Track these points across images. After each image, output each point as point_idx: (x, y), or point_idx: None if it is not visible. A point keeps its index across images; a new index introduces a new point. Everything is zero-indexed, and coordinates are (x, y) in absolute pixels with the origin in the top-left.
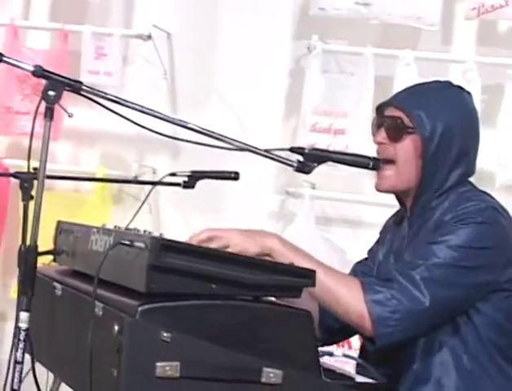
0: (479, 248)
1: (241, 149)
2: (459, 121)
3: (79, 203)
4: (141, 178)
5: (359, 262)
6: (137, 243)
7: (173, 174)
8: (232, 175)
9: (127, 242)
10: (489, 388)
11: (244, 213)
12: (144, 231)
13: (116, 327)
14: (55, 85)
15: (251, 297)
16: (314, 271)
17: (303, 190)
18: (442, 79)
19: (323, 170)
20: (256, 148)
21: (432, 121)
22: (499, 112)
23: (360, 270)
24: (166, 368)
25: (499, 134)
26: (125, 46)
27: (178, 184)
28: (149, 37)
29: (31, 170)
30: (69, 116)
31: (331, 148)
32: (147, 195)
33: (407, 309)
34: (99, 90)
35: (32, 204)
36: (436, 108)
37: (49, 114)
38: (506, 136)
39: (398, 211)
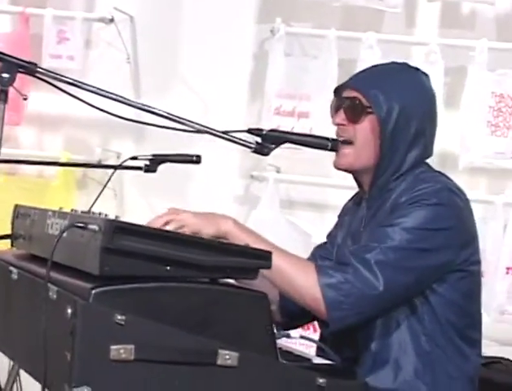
0: (434, 230)
1: (199, 131)
2: (415, 102)
3: (43, 188)
4: (105, 163)
5: (318, 246)
6: (91, 226)
7: (134, 158)
8: (194, 158)
9: (81, 225)
10: (447, 369)
11: (208, 197)
12: (100, 214)
13: (69, 311)
14: (9, 68)
15: (207, 279)
16: (270, 253)
17: (268, 173)
18: (402, 61)
19: (287, 153)
20: (214, 130)
21: (388, 101)
22: (462, 94)
23: (319, 254)
24: (121, 351)
25: (462, 116)
26: (88, 29)
27: (139, 168)
28: (111, 20)
29: None
30: (24, 99)
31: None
32: (108, 180)
33: (360, 293)
34: (54, 73)
35: None
36: (393, 89)
37: (2, 97)
38: (469, 118)
39: (356, 193)
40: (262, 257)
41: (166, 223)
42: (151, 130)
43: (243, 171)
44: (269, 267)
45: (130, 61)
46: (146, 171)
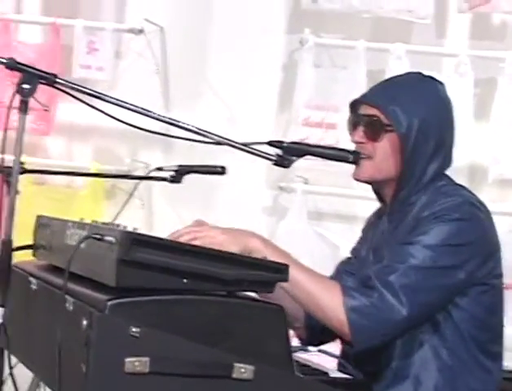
0: (457, 246)
1: (220, 143)
2: (434, 114)
3: (71, 198)
4: (134, 173)
5: (342, 262)
6: (107, 238)
7: (160, 169)
8: (219, 169)
9: (97, 236)
10: (469, 383)
11: (236, 208)
12: (119, 226)
13: (84, 322)
14: (30, 79)
15: (224, 292)
16: (287, 266)
17: (296, 185)
18: (429, 72)
19: (315, 165)
20: (234, 142)
21: (408, 117)
22: (492, 106)
23: (344, 270)
24: (135, 364)
25: (492, 128)
26: (118, 40)
27: (164, 179)
28: (141, 31)
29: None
30: (45, 110)
31: (322, 143)
32: (133, 190)
33: (385, 318)
34: (74, 83)
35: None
36: (411, 103)
37: (24, 108)
38: (499, 130)
39: (379, 207)
40: (279, 271)
41: (194, 238)
42: (179, 141)
43: (271, 182)
44: (286, 280)
45: (160, 72)
46: (171, 182)
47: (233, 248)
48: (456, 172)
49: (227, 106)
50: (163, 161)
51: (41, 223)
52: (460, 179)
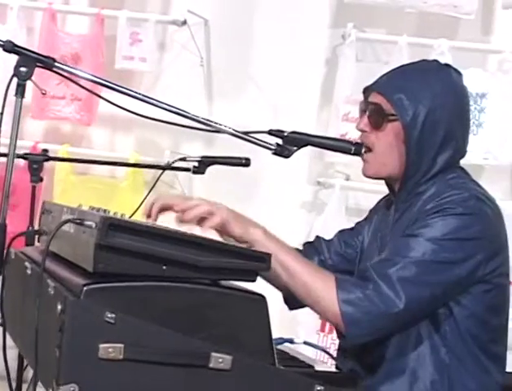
0: (459, 240)
1: (219, 131)
2: (444, 103)
3: (112, 189)
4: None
5: (342, 231)
6: (87, 222)
7: (183, 159)
8: (243, 161)
9: (77, 220)
10: (466, 382)
11: (276, 203)
12: (115, 213)
13: (59, 307)
14: (27, 62)
15: (207, 281)
16: (269, 255)
17: (334, 180)
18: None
19: (358, 161)
20: (234, 130)
21: (414, 105)
22: None
23: (344, 241)
24: (109, 350)
25: None
26: (162, 32)
27: (188, 169)
28: (184, 22)
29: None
30: (43, 94)
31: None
32: (157, 180)
33: (379, 311)
34: (72, 67)
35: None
36: (418, 90)
37: (20, 91)
38: None
39: (389, 197)
40: (261, 259)
41: (210, 212)
42: (221, 135)
43: (311, 177)
44: (267, 269)
45: (204, 64)
46: (194, 173)
47: (234, 228)
48: (500, 170)
49: (269, 100)
50: (203, 154)
51: (45, 209)
52: (503, 178)
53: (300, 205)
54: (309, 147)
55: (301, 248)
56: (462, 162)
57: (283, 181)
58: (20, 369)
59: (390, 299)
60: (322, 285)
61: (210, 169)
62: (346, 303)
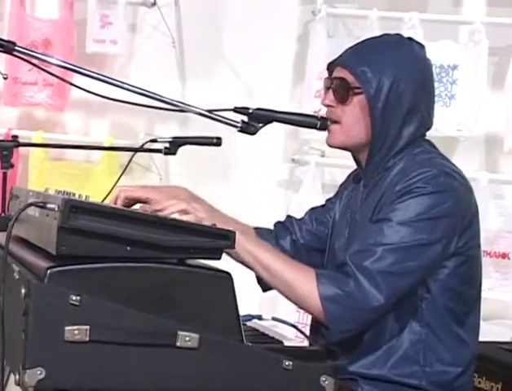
0: (433, 219)
1: (183, 110)
2: (407, 75)
3: (87, 173)
4: (149, 148)
5: (314, 208)
6: (49, 205)
7: (154, 140)
8: (214, 140)
9: (40, 204)
10: (442, 355)
11: (253, 181)
12: (79, 195)
13: (23, 291)
14: None
15: (173, 260)
16: (233, 232)
17: (309, 157)
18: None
19: None
20: (199, 108)
21: (378, 77)
22: (507, 75)
23: (315, 218)
24: (75, 332)
25: (507, 97)
26: (133, 14)
27: (159, 150)
28: (154, 4)
29: None
30: (4, 78)
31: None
32: (129, 162)
33: (362, 307)
34: (32, 50)
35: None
36: (382, 63)
37: None
38: None
39: (357, 171)
40: (225, 237)
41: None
42: (195, 115)
43: (287, 155)
44: (232, 247)
45: (175, 45)
46: (166, 154)
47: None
48: (474, 142)
49: (242, 79)
50: (178, 135)
51: (14, 194)
52: (476, 149)
53: (276, 183)
54: (283, 125)
55: (272, 227)
56: (436, 134)
57: (258, 159)
58: None
59: (371, 293)
60: (303, 282)
61: (185, 150)
62: (327, 300)
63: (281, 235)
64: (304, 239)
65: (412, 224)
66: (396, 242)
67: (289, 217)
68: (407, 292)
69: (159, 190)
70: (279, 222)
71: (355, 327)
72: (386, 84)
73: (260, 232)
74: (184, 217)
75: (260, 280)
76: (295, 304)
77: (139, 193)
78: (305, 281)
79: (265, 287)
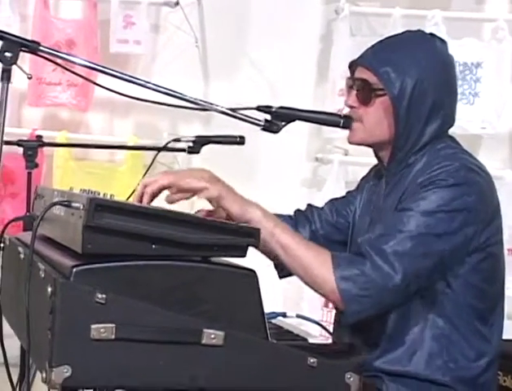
0: (452, 211)
1: (206, 109)
2: (430, 73)
3: (111, 173)
4: (172, 147)
5: (334, 200)
6: (74, 204)
7: (177, 140)
8: (238, 139)
9: (65, 202)
10: (465, 352)
11: (276, 180)
12: (104, 194)
13: (49, 289)
14: (12, 46)
15: (198, 258)
16: (258, 230)
17: (333, 156)
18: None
19: None
20: (222, 107)
21: (401, 77)
22: None
23: (335, 210)
24: (101, 330)
25: None
26: (156, 14)
27: (183, 149)
28: (177, 3)
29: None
30: (28, 78)
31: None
32: (152, 161)
33: (377, 286)
34: (57, 51)
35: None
36: (404, 62)
37: (6, 76)
38: None
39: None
40: (250, 234)
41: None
42: (218, 114)
43: (310, 154)
44: (257, 245)
45: (198, 44)
46: (189, 152)
47: (234, 208)
48: (498, 139)
49: (265, 78)
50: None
51: (38, 194)
52: (500, 146)
53: (300, 182)
54: (307, 124)
55: (292, 215)
56: (461, 132)
57: (282, 159)
58: (23, 356)
59: (386, 273)
60: (319, 263)
61: (209, 149)
62: (343, 280)
63: (301, 223)
64: (324, 230)
65: (432, 214)
66: (414, 229)
67: (309, 205)
68: (424, 279)
69: (180, 174)
70: (299, 210)
71: (371, 307)
72: (410, 84)
73: (280, 218)
74: (206, 192)
75: (277, 266)
76: (310, 285)
77: (162, 182)
78: (321, 262)
79: (281, 273)
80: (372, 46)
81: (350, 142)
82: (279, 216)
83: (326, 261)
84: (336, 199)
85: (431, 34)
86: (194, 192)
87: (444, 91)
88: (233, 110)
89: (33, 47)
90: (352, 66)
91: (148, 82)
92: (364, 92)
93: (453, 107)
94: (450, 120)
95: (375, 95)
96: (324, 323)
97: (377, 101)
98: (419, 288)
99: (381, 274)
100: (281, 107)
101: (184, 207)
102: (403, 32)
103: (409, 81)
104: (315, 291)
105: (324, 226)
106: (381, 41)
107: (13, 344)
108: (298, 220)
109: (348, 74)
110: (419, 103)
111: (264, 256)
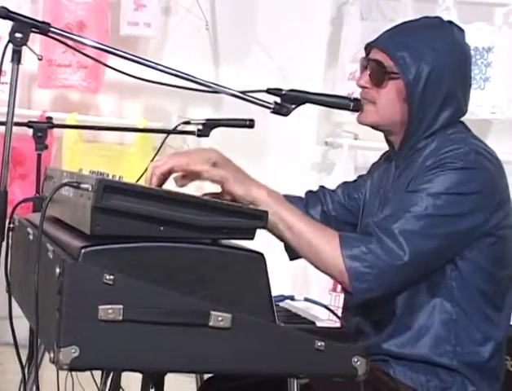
0: (461, 194)
1: (216, 92)
2: (447, 61)
3: (121, 155)
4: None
5: (346, 183)
6: (83, 185)
7: (187, 122)
8: (247, 123)
9: (74, 184)
10: (473, 336)
11: (286, 164)
12: (113, 176)
13: (57, 270)
14: (22, 27)
15: (207, 240)
16: (266, 212)
17: (342, 140)
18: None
19: None
20: (232, 90)
21: (417, 63)
22: None
23: (347, 193)
24: (109, 311)
25: None
26: None
27: (192, 132)
28: None
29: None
30: (39, 59)
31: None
32: (162, 144)
33: (384, 264)
34: (67, 32)
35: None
36: (421, 48)
37: (16, 57)
38: None
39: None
40: (258, 217)
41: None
42: (228, 98)
43: (320, 138)
44: (265, 227)
45: (209, 27)
46: (199, 136)
47: (236, 189)
48: (508, 125)
49: (275, 61)
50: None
51: (48, 175)
52: (510, 131)
53: (309, 166)
54: (316, 108)
55: (303, 196)
56: (471, 117)
57: (291, 142)
58: (32, 336)
59: (394, 251)
60: (326, 242)
61: (219, 132)
62: (350, 258)
63: (312, 204)
64: (336, 212)
65: (440, 196)
66: (423, 210)
67: (321, 187)
68: (432, 260)
69: (189, 154)
70: (310, 191)
71: (377, 286)
72: (425, 70)
73: (290, 199)
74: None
75: (287, 247)
76: (317, 265)
77: (170, 164)
78: (327, 241)
79: (292, 254)
80: (389, 29)
81: (361, 123)
82: (288, 197)
83: (333, 240)
84: (348, 182)
85: (449, 22)
86: (197, 175)
87: (459, 80)
88: (243, 93)
89: (43, 28)
90: (368, 47)
91: (158, 64)
92: (377, 73)
93: (466, 97)
94: (463, 109)
95: (389, 78)
96: (332, 307)
97: (390, 83)
98: (427, 271)
99: (388, 253)
100: (291, 90)
101: (193, 189)
102: (420, 18)
103: (425, 67)
104: (322, 271)
105: (336, 207)
106: (398, 26)
107: (22, 325)
108: (309, 201)
109: (359, 57)
110: (433, 91)
111: (274, 237)
